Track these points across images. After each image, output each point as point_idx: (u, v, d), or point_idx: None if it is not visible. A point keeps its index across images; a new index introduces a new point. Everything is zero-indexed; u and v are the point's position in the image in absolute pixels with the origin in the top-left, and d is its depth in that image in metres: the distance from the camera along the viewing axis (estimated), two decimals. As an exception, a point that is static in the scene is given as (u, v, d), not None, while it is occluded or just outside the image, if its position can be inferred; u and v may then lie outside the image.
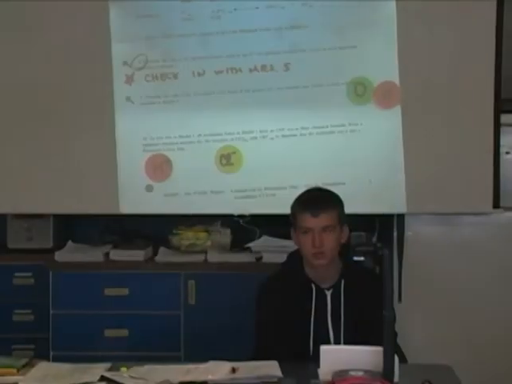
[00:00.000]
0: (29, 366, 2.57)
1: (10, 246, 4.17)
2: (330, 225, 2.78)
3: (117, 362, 2.60)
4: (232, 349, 2.73)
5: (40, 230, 4.17)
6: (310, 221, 2.77)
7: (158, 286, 3.89)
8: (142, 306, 3.87)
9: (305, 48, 3.95)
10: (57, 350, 3.84)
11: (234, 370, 2.44)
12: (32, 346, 3.97)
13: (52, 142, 4.03)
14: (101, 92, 4.01)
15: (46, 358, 3.62)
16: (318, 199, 2.84)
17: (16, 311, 4.04)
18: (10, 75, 4.02)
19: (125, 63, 4.02)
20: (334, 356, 2.37)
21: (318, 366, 2.38)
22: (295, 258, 2.92)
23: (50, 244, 4.16)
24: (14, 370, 2.50)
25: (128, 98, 4.03)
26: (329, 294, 2.84)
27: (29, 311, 4.03)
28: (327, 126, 3.98)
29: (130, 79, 4.03)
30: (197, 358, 2.65)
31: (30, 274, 4.04)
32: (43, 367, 2.57)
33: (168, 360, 2.72)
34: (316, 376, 2.38)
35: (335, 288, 2.84)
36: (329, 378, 2.32)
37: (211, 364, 2.53)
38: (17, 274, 4.04)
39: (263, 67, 3.98)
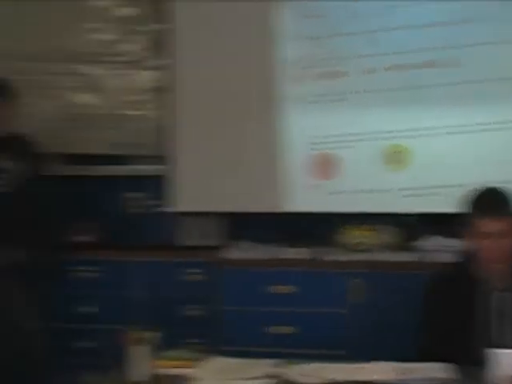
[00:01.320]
0: (201, 359, 2.65)
1: (182, 243, 4.33)
2: (508, 229, 2.71)
3: (281, 358, 2.63)
4: (396, 348, 2.71)
5: (210, 228, 4.31)
6: (488, 226, 2.70)
7: (323, 285, 3.90)
8: (307, 304, 3.90)
9: (474, 42, 3.84)
10: (226, 345, 3.92)
11: (398, 371, 2.42)
12: (202, 341, 4.09)
13: (222, 143, 4.15)
14: (269, 91, 4.08)
15: (216, 352, 3.72)
16: (497, 204, 2.76)
17: (188, 306, 4.17)
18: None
19: (293, 62, 4.06)
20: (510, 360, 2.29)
21: (488, 370, 2.31)
22: (464, 257, 2.85)
23: (219, 241, 4.28)
24: (191, 363, 2.59)
25: (296, 97, 4.06)
26: (496, 295, 2.75)
27: (199, 307, 4.15)
28: (499, 123, 3.85)
29: (298, 78, 4.06)
30: (359, 357, 2.65)
31: (200, 270, 4.16)
32: (214, 361, 2.65)
33: (331, 358, 2.72)
34: (489, 381, 2.31)
35: (503, 290, 2.75)
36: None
37: (376, 364, 2.52)
38: (189, 271, 4.18)
39: (431, 63, 3.90)
